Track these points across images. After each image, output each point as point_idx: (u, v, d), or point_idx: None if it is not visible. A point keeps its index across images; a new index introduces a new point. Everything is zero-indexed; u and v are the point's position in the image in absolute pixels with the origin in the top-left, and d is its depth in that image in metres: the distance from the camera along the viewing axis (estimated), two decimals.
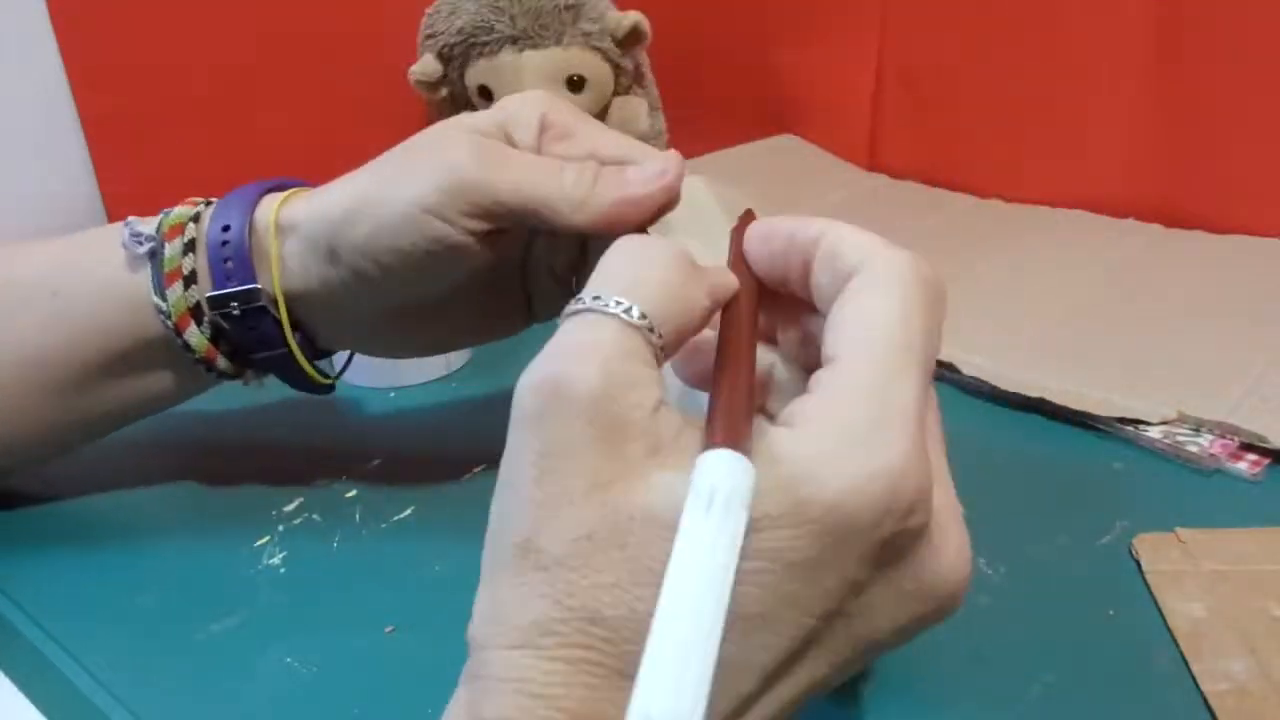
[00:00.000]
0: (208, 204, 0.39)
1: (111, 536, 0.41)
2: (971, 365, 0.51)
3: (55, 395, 0.39)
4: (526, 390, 0.21)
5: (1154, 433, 0.46)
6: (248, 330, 0.37)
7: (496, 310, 0.41)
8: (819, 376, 0.22)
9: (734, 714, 0.21)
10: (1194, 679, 0.33)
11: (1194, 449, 0.45)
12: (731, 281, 0.25)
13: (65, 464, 0.45)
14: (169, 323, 0.37)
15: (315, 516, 0.42)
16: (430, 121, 0.88)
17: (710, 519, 0.18)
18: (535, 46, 0.73)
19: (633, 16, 0.75)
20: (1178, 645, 0.34)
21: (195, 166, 0.74)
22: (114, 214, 0.71)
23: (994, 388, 0.50)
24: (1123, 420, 0.47)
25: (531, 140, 0.35)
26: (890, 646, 0.24)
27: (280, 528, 0.42)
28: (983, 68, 0.78)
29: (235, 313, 0.37)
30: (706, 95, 0.92)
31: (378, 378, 0.53)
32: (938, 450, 0.23)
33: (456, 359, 0.55)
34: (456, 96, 0.78)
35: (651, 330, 0.22)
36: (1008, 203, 0.77)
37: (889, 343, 0.21)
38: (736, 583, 0.19)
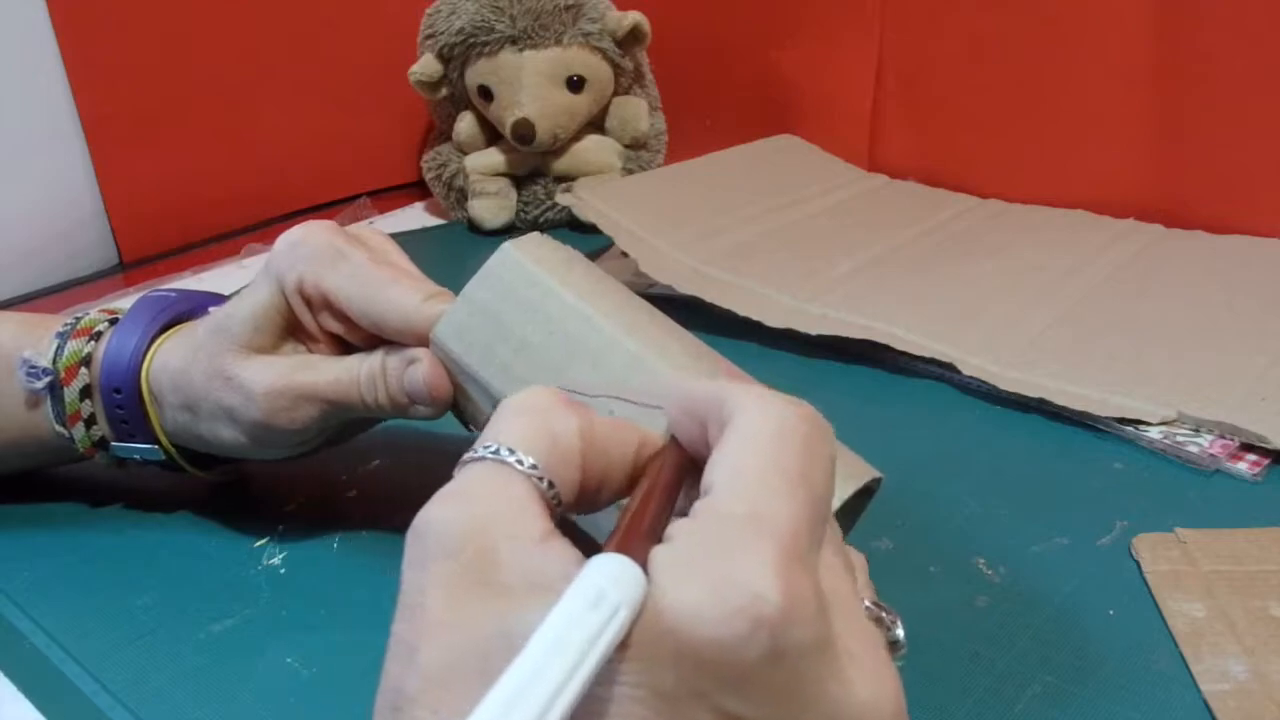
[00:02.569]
0: (95, 337, 0.40)
1: (112, 537, 0.41)
2: (971, 365, 0.51)
3: None
4: (408, 535, 0.21)
5: (1154, 433, 0.46)
6: (152, 465, 0.41)
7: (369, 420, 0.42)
8: (694, 506, 0.21)
9: None
10: (1193, 678, 0.33)
11: (1194, 449, 0.45)
12: (651, 438, 0.25)
13: (64, 464, 0.45)
14: (75, 448, 0.40)
15: (315, 517, 0.42)
16: (431, 121, 0.88)
17: (588, 613, 0.17)
18: (535, 46, 0.73)
19: (633, 16, 0.75)
20: (1177, 645, 0.34)
21: (195, 166, 0.74)
22: (114, 214, 0.71)
23: (994, 388, 0.50)
24: (1123, 420, 0.47)
25: (312, 326, 0.37)
26: None
27: (280, 528, 0.42)
28: (983, 68, 0.78)
29: (138, 459, 0.41)
30: (706, 95, 0.92)
31: None
32: (842, 578, 0.22)
33: None
34: (456, 96, 0.78)
35: (535, 469, 0.22)
36: (1008, 203, 0.77)
37: (756, 464, 0.21)
38: (601, 716, 0.18)
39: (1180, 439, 0.45)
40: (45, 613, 0.37)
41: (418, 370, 0.35)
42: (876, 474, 0.33)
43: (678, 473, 0.23)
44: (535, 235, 0.35)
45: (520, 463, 0.22)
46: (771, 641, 0.18)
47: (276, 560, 0.40)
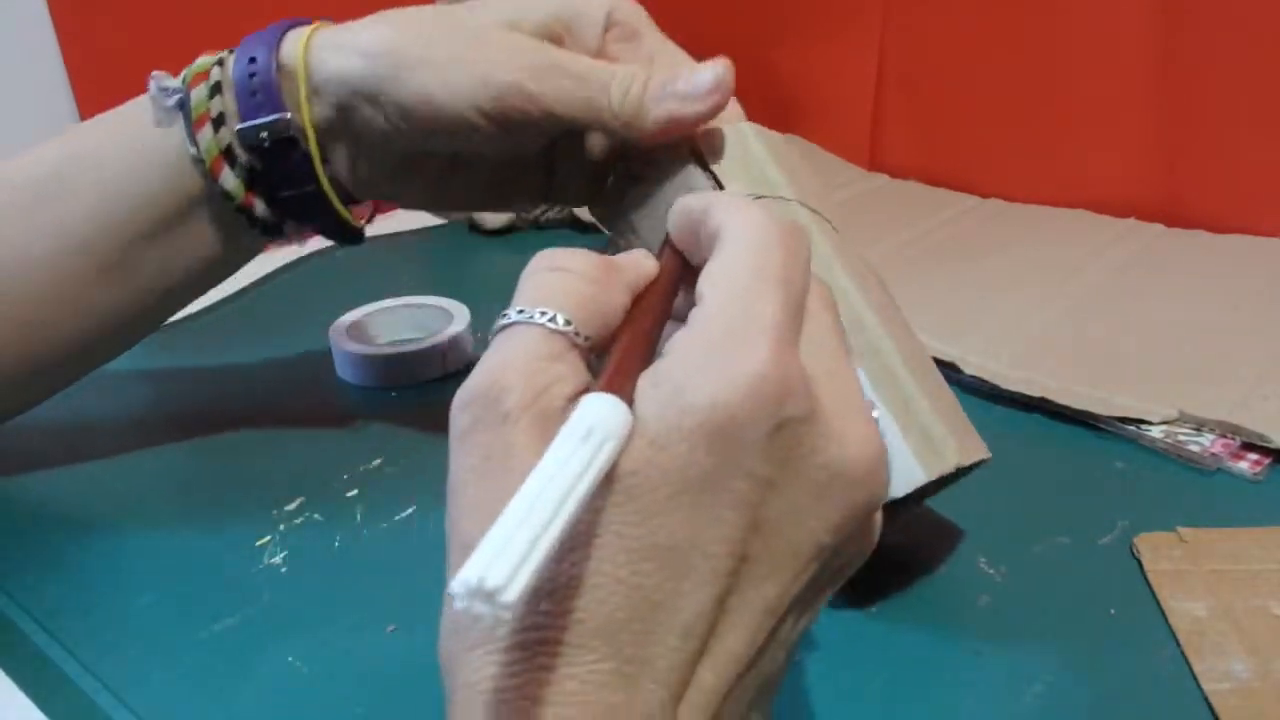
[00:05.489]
0: (231, 52, 0.39)
1: (113, 536, 0.41)
2: (972, 365, 0.51)
3: (101, 277, 0.40)
4: (461, 406, 0.23)
5: (1155, 432, 0.46)
6: (279, 164, 0.38)
7: (517, 180, 0.43)
8: (690, 314, 0.24)
9: (695, 658, 0.21)
10: (1195, 678, 0.33)
11: (1195, 448, 0.45)
12: (648, 268, 0.27)
13: (65, 463, 0.45)
14: (204, 168, 0.38)
15: (315, 516, 0.42)
16: None
17: (579, 447, 0.20)
18: None
19: None
20: (1179, 645, 0.34)
21: None
22: None
23: (995, 387, 0.50)
24: (1124, 420, 0.47)
25: (595, 39, 0.37)
26: (844, 556, 0.24)
27: (281, 527, 0.42)
28: (983, 68, 0.78)
29: (265, 144, 0.37)
30: None
31: (378, 378, 0.53)
32: (834, 354, 0.25)
33: (455, 360, 0.55)
34: None
35: (576, 333, 0.23)
36: (1008, 203, 0.77)
37: (743, 273, 0.24)
38: (655, 515, 0.21)
39: (1182, 438, 0.45)
40: (45, 612, 0.37)
41: (713, 66, 0.36)
42: (985, 454, 0.36)
43: (663, 300, 0.26)
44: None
45: (565, 322, 0.23)
46: (776, 414, 0.22)
47: (277, 560, 0.40)
